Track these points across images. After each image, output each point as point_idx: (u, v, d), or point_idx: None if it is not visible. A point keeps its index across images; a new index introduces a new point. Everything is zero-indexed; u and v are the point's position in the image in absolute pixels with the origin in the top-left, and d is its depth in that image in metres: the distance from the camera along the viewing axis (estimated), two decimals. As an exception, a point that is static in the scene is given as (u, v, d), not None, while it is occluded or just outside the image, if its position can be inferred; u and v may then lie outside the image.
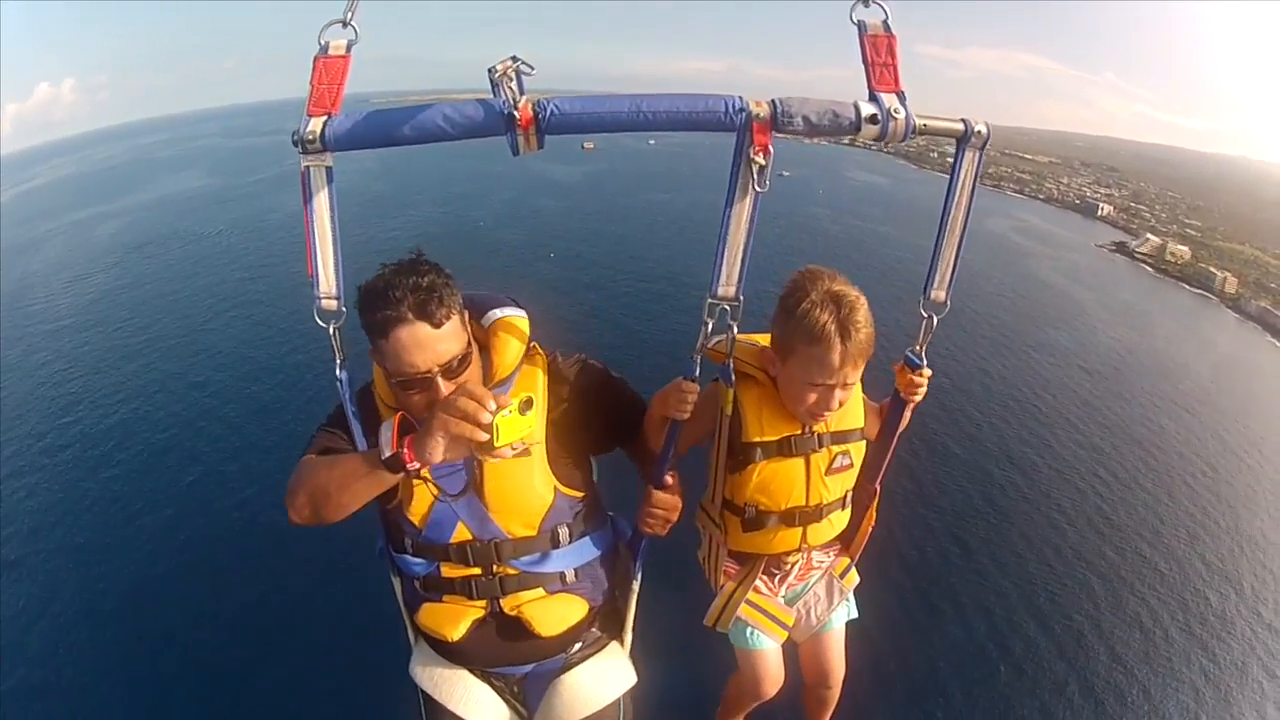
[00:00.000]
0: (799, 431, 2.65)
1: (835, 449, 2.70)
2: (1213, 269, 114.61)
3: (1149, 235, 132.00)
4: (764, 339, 2.68)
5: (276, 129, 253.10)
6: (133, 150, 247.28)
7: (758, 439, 2.64)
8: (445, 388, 2.20)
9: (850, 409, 2.68)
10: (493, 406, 1.88)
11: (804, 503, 2.72)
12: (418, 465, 2.00)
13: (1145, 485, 46.51)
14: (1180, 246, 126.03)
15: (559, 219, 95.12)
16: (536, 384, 2.47)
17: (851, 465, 2.77)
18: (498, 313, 2.50)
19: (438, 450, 1.94)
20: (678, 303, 64.23)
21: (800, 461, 2.68)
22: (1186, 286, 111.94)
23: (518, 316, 2.52)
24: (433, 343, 2.15)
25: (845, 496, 2.86)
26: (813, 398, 2.51)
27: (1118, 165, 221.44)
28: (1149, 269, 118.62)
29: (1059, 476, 45.04)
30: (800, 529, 2.79)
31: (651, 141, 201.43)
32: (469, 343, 2.29)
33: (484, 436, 1.89)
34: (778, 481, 2.69)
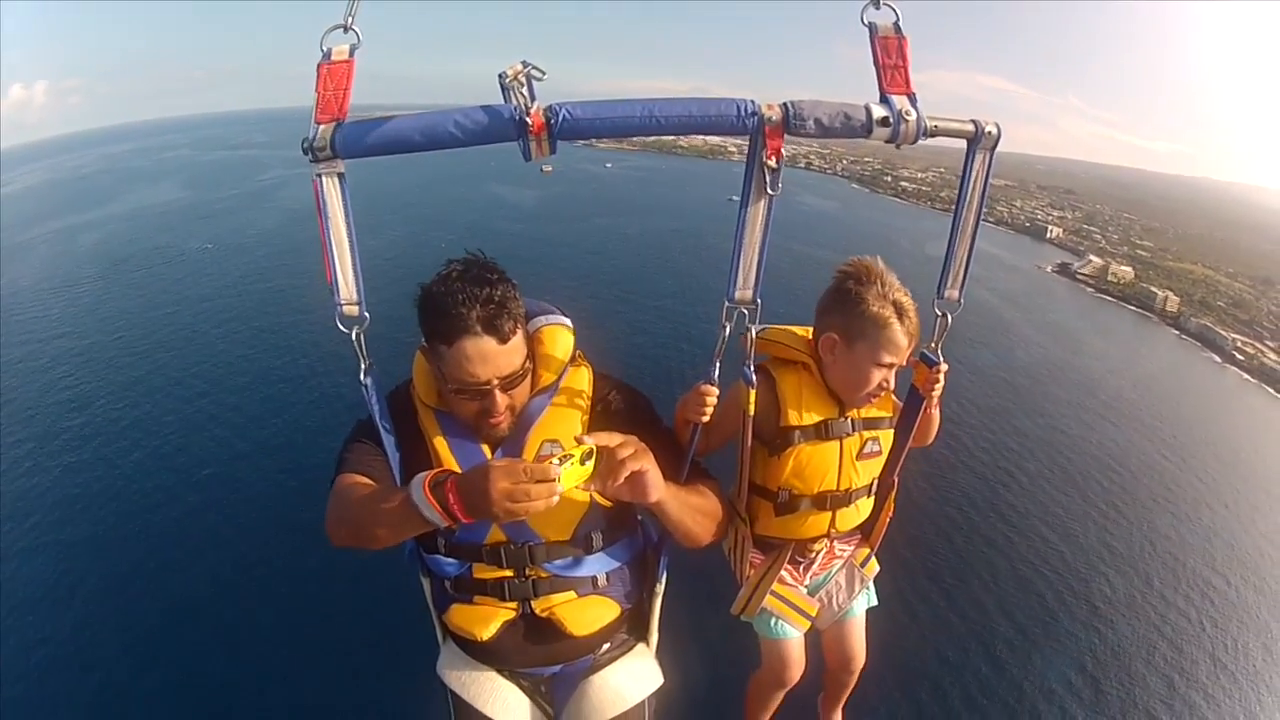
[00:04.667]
0: (835, 415, 2.75)
1: (866, 434, 2.81)
2: (1154, 289, 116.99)
3: (1092, 257, 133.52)
4: (802, 331, 2.84)
5: (245, 143, 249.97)
6: (106, 159, 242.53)
7: (797, 423, 2.72)
8: (501, 400, 2.27)
9: (881, 398, 2.80)
10: (560, 489, 1.88)
11: (835, 487, 2.81)
12: (471, 521, 1.96)
13: (1056, 483, 49.85)
14: (1123, 267, 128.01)
15: (516, 241, 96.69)
16: (582, 390, 2.52)
17: (880, 453, 2.87)
18: (543, 320, 2.55)
19: (495, 516, 1.87)
20: (634, 318, 66.91)
21: (835, 445, 2.76)
22: (1129, 306, 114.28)
23: (563, 325, 2.57)
24: (497, 357, 2.19)
25: (872, 484, 2.94)
26: (878, 377, 2.63)
27: (1075, 187, 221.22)
28: (1089, 290, 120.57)
29: (971, 474, 48.00)
30: (830, 513, 2.88)
31: (609, 165, 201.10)
32: (528, 356, 2.33)
33: (542, 508, 1.87)
34: (813, 466, 2.76)
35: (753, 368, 2.54)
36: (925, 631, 33.23)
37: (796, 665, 3.26)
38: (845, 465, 2.81)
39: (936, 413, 2.85)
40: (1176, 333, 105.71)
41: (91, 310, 70.30)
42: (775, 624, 3.15)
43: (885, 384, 2.68)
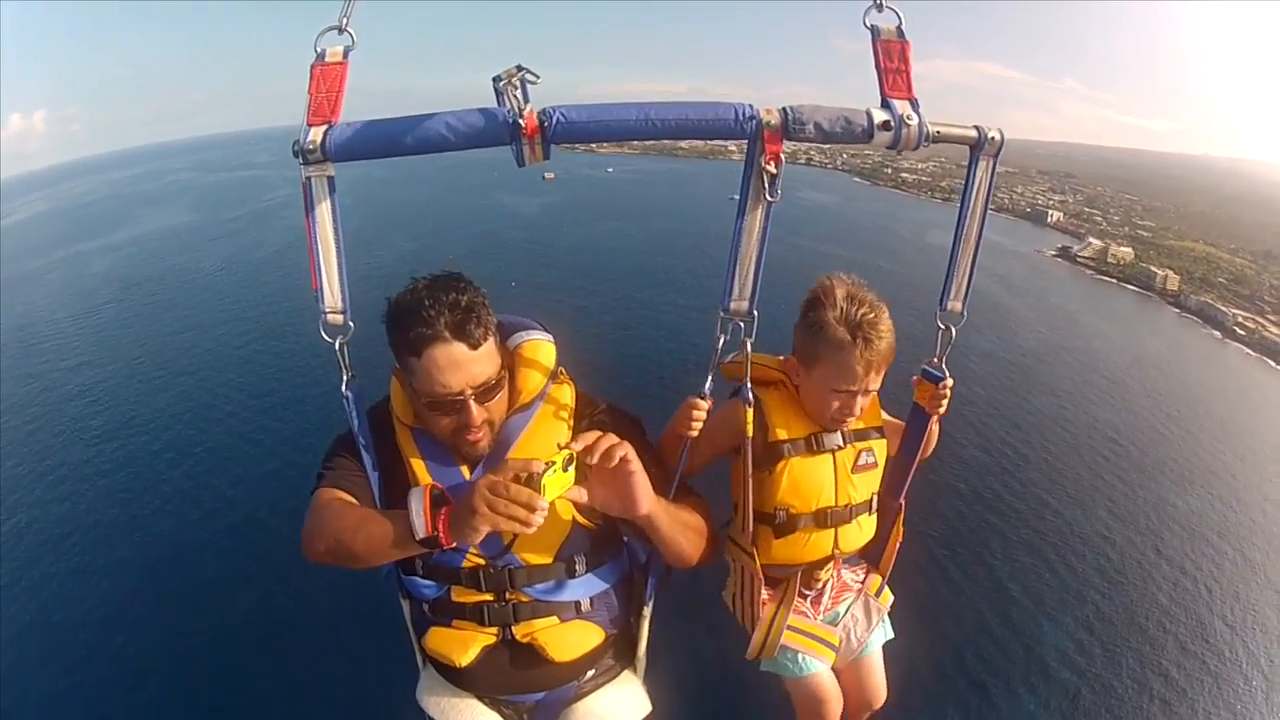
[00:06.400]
0: (821, 431, 2.69)
1: (859, 445, 2.72)
2: (1154, 268, 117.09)
3: (1091, 239, 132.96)
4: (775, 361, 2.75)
5: (248, 163, 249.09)
6: (110, 185, 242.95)
7: (785, 437, 2.65)
8: (477, 411, 2.19)
9: (867, 409, 2.70)
10: (544, 505, 1.85)
11: (834, 503, 2.72)
12: (453, 545, 1.96)
13: (1061, 457, 51.14)
14: (1123, 248, 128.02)
15: (522, 250, 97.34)
16: (563, 408, 2.45)
17: (876, 464, 2.78)
18: (524, 336, 2.48)
19: (478, 536, 1.89)
20: (637, 323, 67.59)
21: (828, 459, 2.68)
22: (1129, 287, 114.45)
23: (545, 341, 2.50)
24: (468, 364, 2.13)
25: (871, 500, 2.83)
26: (836, 404, 2.56)
27: (1075, 171, 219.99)
28: (1089, 272, 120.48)
29: (978, 450, 48.73)
30: (832, 531, 2.77)
31: (610, 169, 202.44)
32: (502, 366, 2.27)
33: (534, 529, 1.86)
34: (807, 481, 2.68)
35: (750, 386, 2.49)
36: (940, 598, 34.34)
37: (834, 699, 3.06)
38: (841, 479, 2.72)
39: (936, 427, 2.77)
40: (1177, 311, 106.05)
41: (112, 337, 71.14)
42: (800, 659, 2.99)
43: (847, 411, 2.61)
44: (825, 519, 2.73)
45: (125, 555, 37.06)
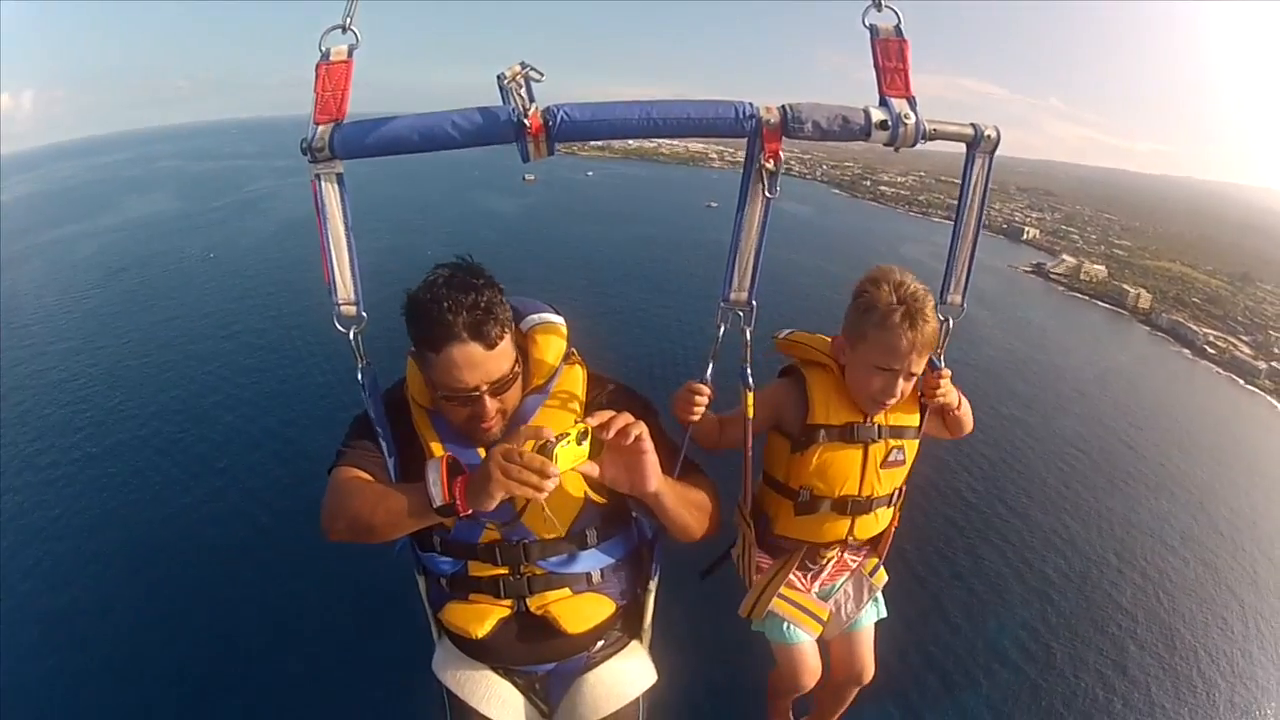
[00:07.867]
0: (861, 420, 2.73)
1: (892, 442, 2.78)
2: (1126, 286, 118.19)
3: (1065, 256, 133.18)
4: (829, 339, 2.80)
5: (233, 153, 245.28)
6: (95, 169, 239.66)
7: (823, 421, 2.71)
8: (491, 404, 2.26)
9: (907, 406, 2.78)
10: (556, 472, 1.89)
11: (857, 492, 2.80)
12: (470, 513, 1.99)
13: (1020, 468, 51.67)
14: (1096, 266, 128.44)
15: (500, 250, 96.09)
16: (575, 390, 2.51)
17: (904, 462, 2.84)
18: (536, 318, 2.54)
19: (493, 502, 1.92)
20: (617, 324, 67.44)
21: (859, 450, 2.75)
22: (1101, 304, 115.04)
23: (556, 323, 2.56)
24: (484, 363, 2.18)
25: (893, 495, 2.90)
26: (878, 383, 2.60)
27: (1055, 189, 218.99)
28: (1061, 288, 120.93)
29: (945, 452, 47.54)
30: (849, 519, 2.87)
31: (589, 173, 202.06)
32: (517, 358, 2.32)
33: (545, 495, 1.91)
34: (835, 467, 2.76)
35: (749, 370, 2.54)
36: (904, 588, 34.17)
37: (811, 671, 3.21)
38: (869, 472, 2.78)
39: (964, 409, 2.88)
40: (1147, 328, 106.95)
41: (100, 322, 70.80)
42: (787, 628, 3.12)
43: (889, 392, 2.64)
44: (846, 506, 2.83)
45: (120, 539, 37.14)
